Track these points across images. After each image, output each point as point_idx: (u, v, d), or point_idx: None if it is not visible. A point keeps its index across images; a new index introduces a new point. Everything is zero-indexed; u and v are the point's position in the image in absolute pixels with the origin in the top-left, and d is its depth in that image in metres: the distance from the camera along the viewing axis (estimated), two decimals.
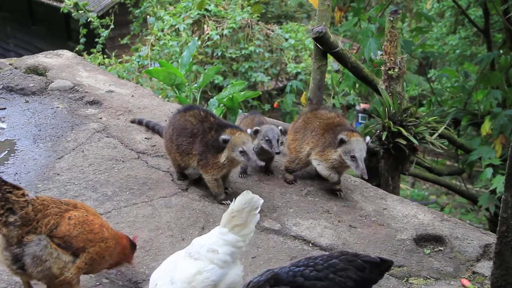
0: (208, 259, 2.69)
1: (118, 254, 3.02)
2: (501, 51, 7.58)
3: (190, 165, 4.17)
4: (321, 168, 4.22)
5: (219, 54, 11.39)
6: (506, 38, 7.51)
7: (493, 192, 5.86)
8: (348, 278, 2.55)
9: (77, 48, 11.60)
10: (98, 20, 12.40)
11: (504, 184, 2.75)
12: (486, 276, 3.36)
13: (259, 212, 3.92)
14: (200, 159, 4.03)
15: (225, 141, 3.90)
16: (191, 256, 2.73)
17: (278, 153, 4.25)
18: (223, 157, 3.94)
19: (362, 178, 4.14)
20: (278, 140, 4.24)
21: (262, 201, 2.73)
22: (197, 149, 4.05)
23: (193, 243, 2.80)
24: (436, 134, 4.99)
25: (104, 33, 12.11)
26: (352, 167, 4.02)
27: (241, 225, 2.70)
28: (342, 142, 4.05)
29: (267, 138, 4.23)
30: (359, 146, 4.02)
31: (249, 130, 4.23)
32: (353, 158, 3.99)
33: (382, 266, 2.68)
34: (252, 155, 3.90)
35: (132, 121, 5.12)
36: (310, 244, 3.68)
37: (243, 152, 3.89)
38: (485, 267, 3.47)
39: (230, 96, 6.77)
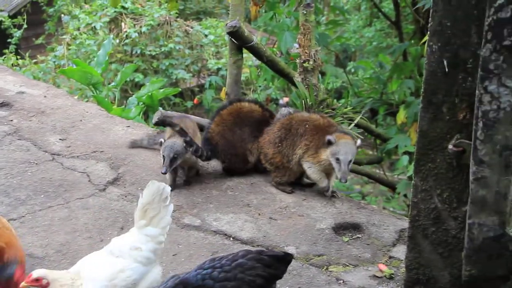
0: (132, 257, 2.63)
1: None
2: (412, 41, 7.81)
3: None
4: (312, 171, 4.14)
5: (139, 52, 11.24)
6: (416, 29, 7.76)
7: (411, 178, 6.03)
8: (257, 276, 2.55)
9: None
10: (9, 19, 11.98)
11: (414, 170, 2.84)
12: (402, 260, 3.45)
13: (179, 209, 3.92)
14: None
15: None
16: (113, 254, 2.66)
17: (163, 173, 4.04)
18: None
19: (341, 181, 4.07)
20: (173, 159, 4.04)
21: (170, 188, 2.71)
22: None
23: (113, 242, 2.74)
24: (353, 125, 5.09)
25: (17, 33, 11.72)
26: (335, 168, 3.99)
27: (157, 216, 2.67)
28: (329, 143, 3.99)
29: (163, 154, 4.06)
30: (345, 148, 3.97)
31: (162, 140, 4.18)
32: (338, 160, 3.96)
33: (285, 260, 2.70)
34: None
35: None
36: (231, 239, 3.68)
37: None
38: (401, 251, 3.56)
39: (149, 94, 6.72)
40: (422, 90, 2.64)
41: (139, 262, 2.64)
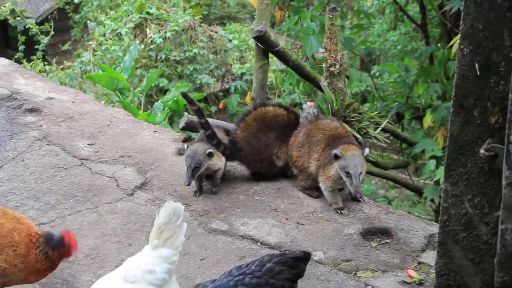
0: (147, 281, 2.57)
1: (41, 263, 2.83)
2: (438, 45, 7.75)
3: None
4: (327, 194, 4.09)
5: (163, 57, 11.31)
6: (443, 32, 7.70)
7: (437, 183, 5.99)
8: (286, 280, 2.54)
9: (16, 56, 11.32)
10: (37, 26, 12.14)
11: (444, 174, 2.81)
12: (431, 266, 3.42)
13: (206, 214, 3.93)
14: None
15: None
16: (126, 280, 2.59)
17: (186, 185, 4.01)
18: None
19: (355, 196, 4.03)
20: (195, 168, 4.02)
21: (183, 206, 2.69)
22: None
23: (125, 265, 2.68)
24: (379, 129, 5.05)
25: (44, 39, 11.87)
26: (347, 183, 3.90)
27: (172, 237, 2.62)
28: (336, 157, 3.89)
29: (185, 163, 4.05)
30: (354, 161, 3.85)
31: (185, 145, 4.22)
32: (348, 174, 3.85)
33: (305, 259, 2.70)
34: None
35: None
36: (259, 243, 3.68)
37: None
38: (430, 257, 3.53)
39: (175, 98, 6.74)
40: (452, 94, 2.62)
41: (154, 285, 2.58)
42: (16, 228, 2.76)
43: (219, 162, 4.23)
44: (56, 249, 2.84)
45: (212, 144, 4.17)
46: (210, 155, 4.11)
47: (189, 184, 4.01)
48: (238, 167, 4.63)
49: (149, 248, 2.66)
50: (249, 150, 4.38)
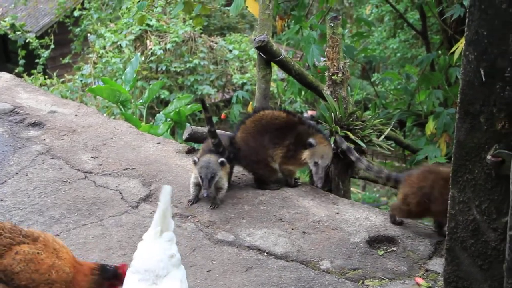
0: (173, 266, 2.64)
1: None
2: (439, 51, 7.76)
3: None
4: None
5: (164, 68, 11.34)
6: (443, 39, 7.70)
7: None
8: None
9: (16, 70, 11.36)
10: (37, 40, 12.18)
11: (451, 181, 2.80)
12: (439, 273, 3.41)
13: (212, 225, 3.92)
14: None
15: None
16: (159, 276, 2.59)
17: (205, 196, 4.07)
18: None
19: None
20: (211, 178, 4.03)
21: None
22: None
23: (142, 265, 2.63)
24: (383, 136, 5.06)
25: (45, 53, 11.92)
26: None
27: (168, 219, 2.67)
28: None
29: (200, 175, 4.05)
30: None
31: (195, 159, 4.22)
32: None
33: None
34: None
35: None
36: (265, 254, 3.67)
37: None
38: (438, 264, 3.52)
39: (177, 110, 6.75)
40: (458, 100, 2.61)
41: (176, 267, 2.67)
42: (55, 265, 2.73)
43: (225, 181, 4.23)
44: (109, 281, 2.85)
45: (218, 151, 4.21)
46: (222, 163, 4.14)
47: (207, 195, 4.06)
48: (243, 178, 4.62)
49: (151, 236, 2.66)
50: (247, 150, 4.40)
